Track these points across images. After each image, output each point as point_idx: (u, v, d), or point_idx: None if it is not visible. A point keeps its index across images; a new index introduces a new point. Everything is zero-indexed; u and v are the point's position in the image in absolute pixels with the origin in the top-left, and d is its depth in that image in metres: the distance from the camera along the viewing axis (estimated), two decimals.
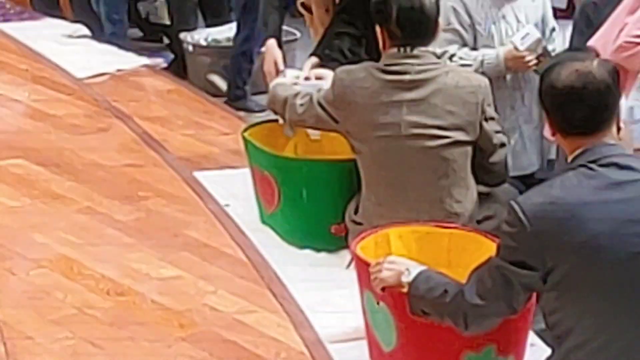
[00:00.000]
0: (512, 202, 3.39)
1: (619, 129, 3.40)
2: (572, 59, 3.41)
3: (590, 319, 3.35)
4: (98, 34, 7.56)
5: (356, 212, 4.71)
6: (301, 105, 4.64)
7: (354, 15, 5.18)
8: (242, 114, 6.32)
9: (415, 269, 3.62)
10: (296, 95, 4.68)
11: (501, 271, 3.34)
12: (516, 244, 3.32)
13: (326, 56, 5.16)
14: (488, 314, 3.46)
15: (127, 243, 4.48)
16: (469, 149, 4.47)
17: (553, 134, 3.45)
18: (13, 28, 7.08)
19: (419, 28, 4.44)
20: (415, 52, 4.43)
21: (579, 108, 3.34)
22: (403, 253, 4.17)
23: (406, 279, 3.60)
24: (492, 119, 4.51)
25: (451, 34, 5.11)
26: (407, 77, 4.43)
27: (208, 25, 7.73)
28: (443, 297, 3.47)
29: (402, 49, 4.43)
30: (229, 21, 7.69)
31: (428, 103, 4.42)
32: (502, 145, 4.56)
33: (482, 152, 4.52)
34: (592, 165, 3.29)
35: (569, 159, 3.41)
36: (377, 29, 4.52)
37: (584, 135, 3.35)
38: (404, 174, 4.46)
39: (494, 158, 4.54)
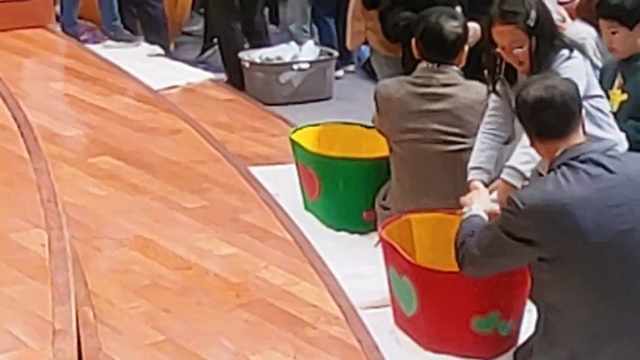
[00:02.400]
0: (512, 195, 3.42)
1: (584, 130, 3.41)
2: (539, 79, 3.47)
3: (577, 292, 3.34)
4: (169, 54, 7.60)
5: (384, 199, 4.71)
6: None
7: None
8: (289, 119, 6.25)
9: (472, 210, 3.71)
10: None
11: (496, 237, 3.38)
12: (512, 223, 3.34)
13: None
14: (477, 264, 3.50)
15: (194, 226, 4.46)
16: None
17: (532, 144, 3.47)
18: (102, 48, 7.08)
19: (439, 48, 4.43)
20: (442, 68, 4.42)
21: (550, 114, 3.36)
22: (422, 236, 4.18)
23: (465, 212, 3.73)
24: None
25: None
26: (431, 89, 4.43)
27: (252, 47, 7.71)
28: (459, 240, 3.57)
29: (430, 64, 4.43)
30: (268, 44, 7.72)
31: (450, 114, 4.41)
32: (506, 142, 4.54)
33: None
34: (573, 163, 3.32)
35: (550, 161, 3.41)
36: (412, 42, 4.51)
37: (557, 138, 3.37)
38: (427, 170, 4.44)
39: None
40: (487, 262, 3.50)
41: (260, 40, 7.66)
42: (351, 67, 8.25)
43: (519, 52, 3.93)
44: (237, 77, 7.28)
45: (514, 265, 3.55)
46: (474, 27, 4.92)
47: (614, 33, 4.27)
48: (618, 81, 4.32)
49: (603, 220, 3.27)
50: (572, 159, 3.32)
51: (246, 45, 7.53)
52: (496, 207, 3.78)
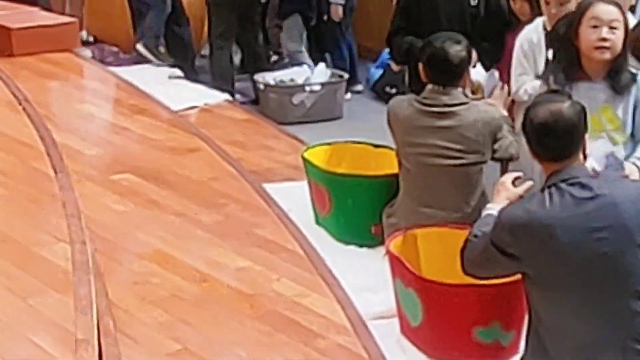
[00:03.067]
0: (499, 212, 3.43)
1: (585, 156, 3.40)
2: (549, 100, 3.45)
3: (560, 308, 3.34)
4: (190, 76, 7.60)
5: (391, 213, 4.70)
6: None
7: None
8: (302, 137, 6.24)
9: (488, 210, 3.66)
10: None
11: (487, 248, 3.40)
12: (498, 237, 3.35)
13: None
14: (473, 267, 3.52)
15: (210, 240, 4.44)
16: (483, 166, 4.46)
17: (540, 163, 3.47)
18: (124, 71, 7.09)
19: (444, 71, 4.45)
20: (447, 89, 4.43)
21: (551, 140, 3.35)
22: (427, 250, 4.16)
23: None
24: (503, 137, 4.47)
25: None
26: (437, 109, 4.44)
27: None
28: (468, 238, 3.56)
29: (436, 86, 4.44)
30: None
31: (454, 131, 4.42)
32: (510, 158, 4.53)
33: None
34: (561, 185, 3.32)
35: (545, 179, 3.41)
36: (420, 65, 4.51)
37: (554, 160, 3.36)
38: (432, 184, 4.46)
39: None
40: (481, 268, 3.51)
41: (259, 64, 7.65)
42: (359, 87, 8.25)
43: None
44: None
45: (504, 274, 3.55)
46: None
47: (562, 4, 4.35)
48: None
49: (582, 243, 3.25)
50: (561, 180, 3.32)
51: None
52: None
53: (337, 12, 8.14)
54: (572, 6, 4.63)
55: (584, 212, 3.26)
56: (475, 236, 3.52)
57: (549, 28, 4.58)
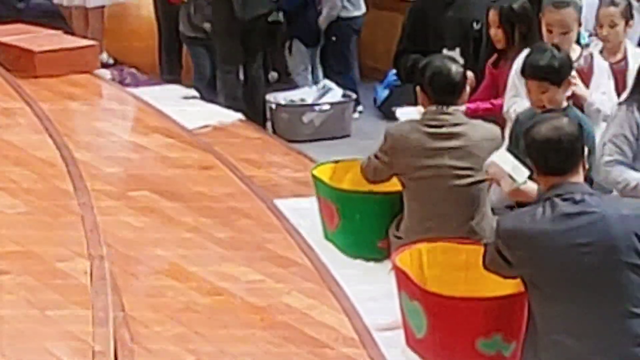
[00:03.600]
0: (497, 219, 3.49)
1: (584, 168, 3.41)
2: (550, 118, 3.49)
3: (549, 313, 3.36)
4: (207, 96, 7.60)
5: (397, 229, 4.68)
6: (363, 162, 4.68)
7: None
8: (311, 155, 6.23)
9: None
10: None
11: (492, 252, 3.49)
12: (497, 243, 3.44)
13: None
14: (489, 267, 3.58)
15: (223, 254, 4.42)
16: (487, 185, 4.43)
17: (537, 175, 3.48)
18: (141, 92, 7.08)
19: (447, 89, 4.43)
20: (449, 109, 4.41)
21: (555, 154, 3.37)
22: (432, 264, 4.16)
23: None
24: None
25: None
26: (443, 129, 4.43)
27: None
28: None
29: (438, 107, 4.41)
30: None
31: (462, 150, 4.41)
32: None
33: None
34: (555, 199, 3.36)
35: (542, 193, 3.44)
36: (417, 89, 4.50)
37: (558, 174, 3.37)
38: (439, 202, 4.44)
39: None
40: (494, 269, 3.56)
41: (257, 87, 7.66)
42: (359, 108, 8.25)
43: None
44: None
45: (510, 276, 3.57)
46: (470, 75, 4.96)
47: (543, 92, 4.26)
48: None
49: (566, 257, 3.28)
50: (556, 195, 3.35)
51: None
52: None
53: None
54: (573, 36, 4.64)
55: (571, 227, 3.28)
56: (488, 241, 3.62)
57: None
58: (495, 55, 5.14)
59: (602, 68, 4.83)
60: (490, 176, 4.10)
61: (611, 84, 4.81)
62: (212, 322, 3.86)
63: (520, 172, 3.91)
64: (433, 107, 4.44)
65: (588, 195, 3.36)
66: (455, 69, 4.43)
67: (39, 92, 6.32)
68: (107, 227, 4.40)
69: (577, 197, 3.32)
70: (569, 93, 4.35)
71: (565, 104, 4.32)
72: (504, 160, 4.00)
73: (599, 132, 4.49)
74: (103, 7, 8.18)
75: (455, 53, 5.17)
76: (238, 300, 4.02)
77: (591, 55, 4.85)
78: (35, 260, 3.87)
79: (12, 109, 5.88)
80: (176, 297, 4.02)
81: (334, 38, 8.31)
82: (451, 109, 4.41)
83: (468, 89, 4.57)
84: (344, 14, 8.55)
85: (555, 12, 4.67)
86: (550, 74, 4.25)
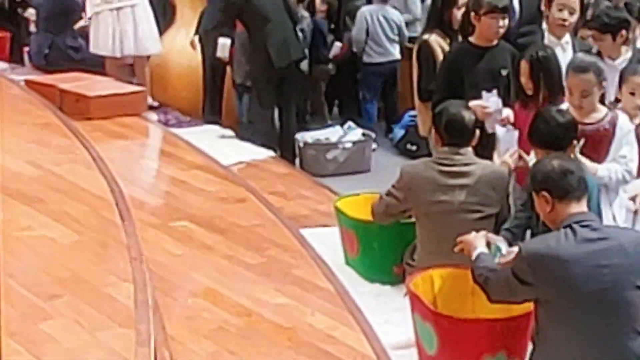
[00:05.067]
0: (521, 244, 3.45)
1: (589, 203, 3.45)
2: (553, 157, 3.52)
3: (564, 331, 3.34)
4: (240, 135, 7.60)
5: (411, 257, 4.63)
6: (373, 202, 4.64)
7: None
8: (335, 188, 6.19)
9: (477, 249, 3.70)
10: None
11: (507, 278, 3.39)
12: (517, 267, 3.35)
13: None
14: (498, 297, 3.52)
15: (254, 279, 4.40)
16: (493, 219, 4.38)
17: (551, 210, 3.44)
18: (183, 132, 7.10)
19: (461, 134, 4.39)
20: (461, 150, 4.38)
21: (573, 179, 3.40)
22: (442, 288, 4.10)
23: (472, 254, 3.71)
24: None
25: None
26: (455, 168, 4.38)
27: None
28: (481, 277, 3.56)
29: (451, 148, 4.37)
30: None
31: (472, 188, 4.36)
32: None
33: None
34: (575, 226, 3.36)
35: (560, 222, 3.39)
36: (433, 130, 4.46)
37: (576, 200, 3.37)
38: (449, 235, 4.33)
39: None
40: (503, 296, 3.51)
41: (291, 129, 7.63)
42: (373, 145, 8.22)
43: None
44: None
45: (522, 301, 3.54)
46: (508, 112, 4.91)
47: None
48: None
49: (589, 277, 3.27)
50: (575, 222, 3.36)
51: None
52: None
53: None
54: (594, 98, 4.51)
55: (593, 250, 3.27)
56: (491, 271, 3.53)
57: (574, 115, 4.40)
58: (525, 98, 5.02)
59: (624, 130, 4.53)
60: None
61: (634, 147, 4.55)
62: (243, 341, 3.83)
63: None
64: (446, 148, 4.40)
65: (598, 223, 3.43)
66: (468, 117, 4.39)
67: (92, 133, 6.34)
68: (150, 255, 4.39)
69: (595, 224, 3.35)
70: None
71: (572, 157, 4.08)
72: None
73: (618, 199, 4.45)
74: (149, 56, 8.25)
75: (493, 94, 5.13)
76: (267, 321, 4.00)
77: (616, 116, 4.57)
78: (85, 285, 3.85)
79: (68, 147, 5.89)
80: (211, 318, 3.99)
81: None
82: (463, 150, 4.38)
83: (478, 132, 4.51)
84: (366, 59, 8.57)
85: (575, 77, 4.48)
86: (554, 142, 4.03)
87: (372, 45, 8.49)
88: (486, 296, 3.55)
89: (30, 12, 9.11)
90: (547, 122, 4.05)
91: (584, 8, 5.38)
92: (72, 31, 8.34)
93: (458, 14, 5.54)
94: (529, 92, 4.87)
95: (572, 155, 4.06)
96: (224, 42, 7.62)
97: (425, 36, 5.67)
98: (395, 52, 8.59)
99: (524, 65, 4.86)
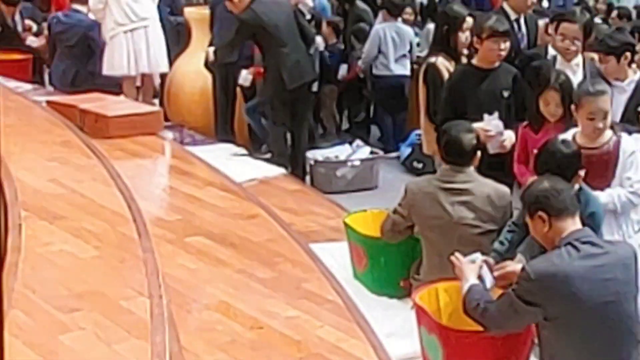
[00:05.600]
0: (526, 265, 3.42)
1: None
2: (544, 177, 3.53)
3: (572, 346, 3.32)
4: (255, 153, 7.62)
5: (417, 271, 4.63)
6: (382, 221, 4.67)
7: None
8: (344, 205, 6.18)
9: (468, 282, 3.66)
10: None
11: (512, 302, 3.36)
12: (523, 288, 3.32)
13: None
14: (500, 325, 3.47)
15: (265, 293, 4.38)
16: (494, 235, 4.36)
17: (549, 228, 3.43)
18: (198, 150, 7.09)
19: (459, 155, 4.40)
20: (460, 169, 4.38)
21: (566, 197, 3.43)
22: (447, 301, 4.09)
23: (462, 287, 3.68)
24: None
25: None
26: (456, 185, 4.38)
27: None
28: (477, 308, 3.52)
29: (452, 167, 4.38)
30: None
31: (470, 204, 4.36)
32: None
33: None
34: (576, 243, 3.36)
35: (558, 240, 3.39)
36: (438, 147, 4.50)
37: (571, 216, 3.39)
38: (450, 249, 4.35)
39: None
40: (507, 322, 3.46)
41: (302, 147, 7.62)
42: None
43: None
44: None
45: (525, 323, 3.50)
46: (509, 134, 4.90)
47: None
48: None
49: (594, 291, 3.26)
50: (575, 239, 3.35)
51: None
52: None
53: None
54: (608, 122, 4.44)
55: (596, 265, 3.28)
56: (488, 302, 3.49)
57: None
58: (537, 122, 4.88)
59: (627, 152, 4.49)
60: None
61: (639, 168, 4.48)
62: (255, 353, 3.82)
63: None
64: (448, 167, 4.41)
65: (597, 238, 3.43)
66: (467, 140, 4.38)
67: (110, 151, 6.34)
68: (166, 269, 4.38)
69: (594, 240, 3.36)
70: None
71: (577, 186, 4.02)
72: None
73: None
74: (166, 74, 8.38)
75: (494, 117, 5.13)
76: (278, 333, 3.98)
77: (619, 138, 4.52)
78: (104, 299, 3.84)
79: (87, 165, 5.90)
80: (224, 330, 3.98)
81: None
82: (464, 169, 4.38)
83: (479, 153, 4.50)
84: (376, 72, 8.59)
85: (598, 100, 4.38)
86: (560, 173, 3.90)
87: (383, 59, 8.51)
88: (484, 327, 3.52)
89: (32, 40, 9.15)
90: (553, 154, 4.00)
91: (587, 31, 5.34)
92: (95, 58, 8.39)
93: (462, 37, 5.55)
94: (553, 119, 4.75)
95: (577, 185, 4.01)
96: (246, 76, 7.64)
97: (432, 59, 5.67)
98: (406, 68, 8.59)
99: (552, 94, 4.72)
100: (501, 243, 4.21)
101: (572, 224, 3.38)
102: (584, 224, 3.54)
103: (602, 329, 3.27)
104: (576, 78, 5.13)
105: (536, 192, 3.46)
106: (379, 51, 8.52)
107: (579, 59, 5.32)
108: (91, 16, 8.31)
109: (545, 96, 4.76)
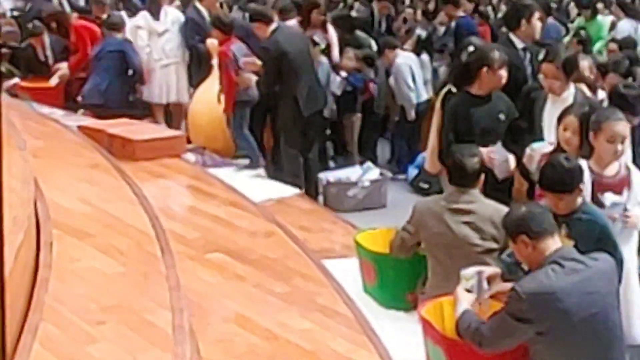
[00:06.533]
0: (515, 285, 3.40)
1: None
2: (523, 202, 3.59)
3: (564, 356, 3.32)
4: (269, 174, 7.60)
5: (423, 285, 4.62)
6: (392, 240, 4.65)
7: None
8: (354, 223, 6.16)
9: (462, 307, 3.64)
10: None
11: (505, 322, 3.34)
12: (514, 307, 3.30)
13: None
14: (494, 344, 3.43)
15: (280, 306, 4.38)
16: (496, 253, 4.34)
17: (533, 250, 3.43)
18: (219, 172, 7.12)
19: (462, 178, 4.38)
20: (465, 190, 4.37)
21: (545, 217, 3.49)
22: (451, 314, 4.05)
23: (456, 311, 3.64)
24: None
25: None
26: (460, 206, 4.37)
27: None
28: (469, 329, 3.48)
29: (457, 188, 4.36)
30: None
31: (473, 224, 4.35)
32: None
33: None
34: (560, 260, 3.39)
35: (542, 259, 3.39)
36: (445, 170, 4.44)
37: (550, 237, 3.40)
38: (454, 266, 4.33)
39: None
40: (499, 342, 3.42)
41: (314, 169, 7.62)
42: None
43: None
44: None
45: (518, 340, 3.46)
46: (511, 157, 4.87)
47: (560, 200, 3.89)
48: (564, 230, 3.84)
49: (581, 304, 3.28)
50: (560, 257, 3.35)
51: None
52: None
53: None
54: (625, 147, 4.33)
55: (580, 280, 3.27)
56: (481, 323, 3.47)
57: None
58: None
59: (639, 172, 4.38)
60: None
61: None
62: None
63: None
64: (452, 188, 4.40)
65: (580, 255, 3.40)
66: (471, 163, 4.36)
67: (136, 173, 6.35)
68: (187, 283, 4.36)
69: (577, 257, 3.35)
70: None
71: (580, 201, 3.98)
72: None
73: None
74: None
75: (498, 146, 5.10)
76: (292, 344, 3.97)
77: (629, 167, 4.41)
78: (128, 312, 3.83)
79: (115, 186, 5.90)
80: (241, 341, 3.97)
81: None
82: (468, 190, 4.38)
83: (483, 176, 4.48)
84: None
85: (618, 124, 4.27)
86: (563, 187, 3.91)
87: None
88: (477, 347, 3.49)
89: (62, 67, 9.24)
90: (556, 169, 3.95)
91: (568, 69, 5.17)
92: (127, 78, 8.53)
93: (483, 72, 5.33)
94: (568, 147, 4.53)
95: (579, 199, 3.98)
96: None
97: (450, 86, 5.67)
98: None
99: (572, 120, 4.55)
100: (508, 256, 4.20)
101: (553, 243, 3.41)
102: (598, 240, 3.61)
103: (590, 339, 3.29)
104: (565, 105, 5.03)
105: (515, 218, 3.48)
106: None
107: (570, 91, 5.19)
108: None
109: (565, 121, 4.59)
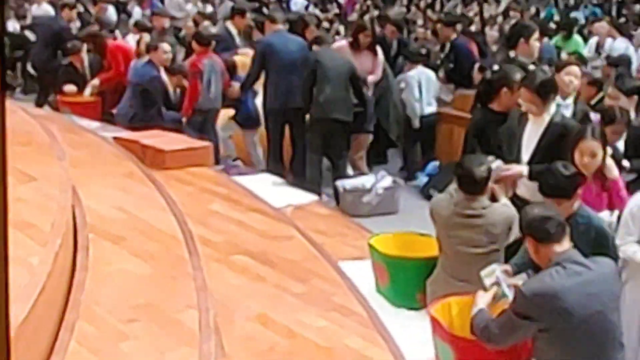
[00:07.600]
0: (520, 287, 3.38)
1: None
2: (536, 204, 3.52)
3: (564, 353, 3.30)
4: (289, 181, 7.59)
5: (432, 285, 4.57)
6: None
7: None
8: (369, 227, 6.13)
9: (477, 307, 3.62)
10: None
11: (511, 319, 3.32)
12: (519, 306, 3.29)
13: None
14: (501, 340, 3.41)
15: (299, 306, 4.35)
16: (500, 253, 4.31)
17: (536, 251, 3.42)
18: (243, 179, 7.10)
19: (471, 186, 4.34)
20: (474, 196, 4.34)
21: (552, 224, 3.37)
22: (459, 313, 4.03)
23: (473, 310, 3.61)
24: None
25: None
26: (468, 211, 4.34)
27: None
28: (480, 325, 3.48)
29: (466, 194, 4.32)
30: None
31: (481, 227, 4.32)
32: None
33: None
34: (565, 263, 3.34)
35: (548, 262, 3.35)
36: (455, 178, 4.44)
37: (555, 242, 3.33)
38: (461, 266, 4.34)
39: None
40: (505, 337, 3.40)
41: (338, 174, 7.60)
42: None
43: None
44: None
45: (523, 337, 3.44)
46: (520, 169, 4.79)
47: (559, 205, 3.82)
48: None
49: (582, 304, 3.24)
50: (563, 260, 3.31)
51: None
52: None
53: None
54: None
55: (583, 281, 3.24)
56: (491, 320, 3.44)
57: None
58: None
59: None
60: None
61: None
62: (290, 359, 3.77)
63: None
64: (462, 194, 4.37)
65: (583, 258, 3.37)
66: (479, 173, 4.32)
67: (167, 181, 6.36)
68: (213, 284, 4.35)
69: (578, 260, 3.32)
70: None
71: (577, 204, 3.95)
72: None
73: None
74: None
75: (499, 162, 5.03)
76: (309, 342, 3.95)
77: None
78: (157, 311, 3.83)
79: (147, 193, 5.91)
80: (263, 339, 3.95)
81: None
82: (476, 197, 4.35)
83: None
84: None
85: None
86: (561, 193, 3.90)
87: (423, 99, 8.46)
88: (486, 342, 3.48)
89: (94, 81, 9.26)
90: (555, 176, 3.95)
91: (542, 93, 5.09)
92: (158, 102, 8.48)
93: (503, 92, 5.28)
94: (586, 171, 4.35)
95: (576, 204, 3.95)
96: None
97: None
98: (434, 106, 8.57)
99: (588, 145, 4.32)
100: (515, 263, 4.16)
101: (559, 247, 3.37)
102: (595, 241, 3.59)
103: (590, 337, 3.26)
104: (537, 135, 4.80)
105: (526, 219, 3.46)
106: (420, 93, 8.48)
107: (549, 112, 4.82)
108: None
109: (580, 148, 4.36)
